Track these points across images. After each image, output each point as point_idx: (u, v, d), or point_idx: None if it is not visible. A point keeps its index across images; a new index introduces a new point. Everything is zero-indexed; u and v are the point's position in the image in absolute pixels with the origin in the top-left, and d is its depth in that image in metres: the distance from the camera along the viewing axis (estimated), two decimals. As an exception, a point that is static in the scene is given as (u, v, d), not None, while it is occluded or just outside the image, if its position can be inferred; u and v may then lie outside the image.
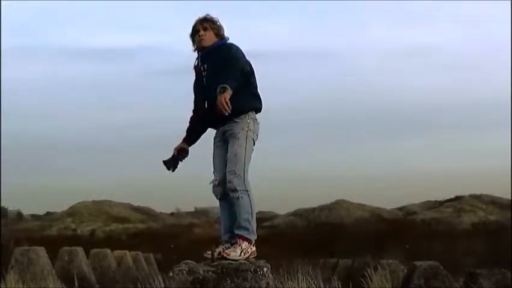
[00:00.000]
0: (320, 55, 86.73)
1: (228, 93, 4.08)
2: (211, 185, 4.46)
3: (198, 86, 4.56)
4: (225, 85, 4.10)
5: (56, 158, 79.54)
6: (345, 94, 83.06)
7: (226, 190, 4.33)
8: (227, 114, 4.13)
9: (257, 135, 4.45)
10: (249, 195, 4.26)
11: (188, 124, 4.70)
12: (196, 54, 4.60)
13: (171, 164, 4.59)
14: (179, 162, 4.62)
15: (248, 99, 4.41)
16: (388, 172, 79.40)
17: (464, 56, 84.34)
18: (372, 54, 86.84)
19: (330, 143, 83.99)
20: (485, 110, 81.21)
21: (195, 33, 4.52)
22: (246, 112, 4.39)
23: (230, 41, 4.55)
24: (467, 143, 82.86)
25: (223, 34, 4.55)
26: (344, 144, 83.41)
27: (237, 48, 4.40)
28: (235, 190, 4.23)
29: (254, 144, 4.42)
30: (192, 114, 4.69)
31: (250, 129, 4.38)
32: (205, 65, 4.47)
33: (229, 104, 4.07)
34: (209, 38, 4.49)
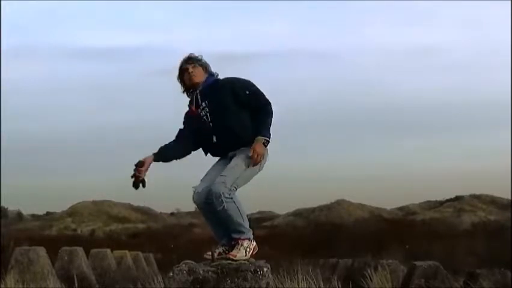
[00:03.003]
0: (320, 55, 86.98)
1: (266, 148, 4.25)
2: (193, 191, 4.37)
3: (197, 123, 4.45)
4: (266, 138, 4.24)
5: (56, 158, 79.81)
6: (345, 94, 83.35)
7: (208, 200, 4.24)
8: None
9: (264, 165, 4.40)
10: (234, 201, 4.19)
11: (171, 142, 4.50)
12: (185, 96, 4.54)
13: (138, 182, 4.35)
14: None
15: None
16: (388, 172, 79.71)
17: (464, 57, 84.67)
18: (372, 54, 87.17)
19: (330, 143, 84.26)
20: (485, 110, 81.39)
21: (182, 73, 4.48)
22: None
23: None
24: (467, 143, 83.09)
25: (211, 70, 4.52)
26: (344, 144, 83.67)
27: (244, 84, 4.39)
28: (219, 196, 4.15)
29: (257, 172, 4.38)
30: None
31: None
32: (206, 101, 4.41)
33: (261, 156, 4.23)
34: (199, 74, 4.44)
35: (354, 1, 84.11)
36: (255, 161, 4.22)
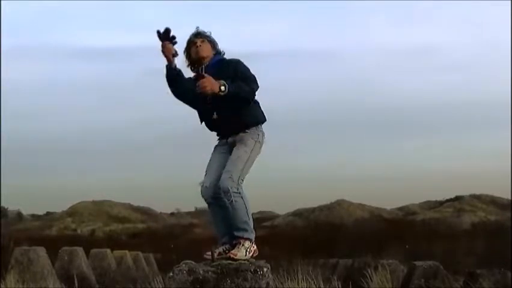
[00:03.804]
0: (320, 55, 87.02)
1: (220, 87, 4.09)
2: (200, 186, 4.41)
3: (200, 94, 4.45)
4: (227, 84, 4.11)
5: (56, 158, 79.82)
6: (345, 94, 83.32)
7: (215, 194, 4.28)
8: (202, 90, 4.12)
9: (260, 149, 4.45)
10: (242, 197, 4.23)
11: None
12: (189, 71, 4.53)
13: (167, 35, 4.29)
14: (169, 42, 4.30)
15: (260, 113, 4.47)
16: (388, 172, 79.65)
17: (464, 56, 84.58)
18: (373, 54, 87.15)
19: (330, 143, 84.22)
20: (485, 110, 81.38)
21: (190, 46, 4.49)
22: (257, 124, 4.43)
23: (225, 51, 4.57)
24: (467, 143, 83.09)
25: (218, 48, 4.55)
26: (343, 144, 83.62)
27: (246, 66, 4.39)
28: (227, 191, 4.18)
29: (257, 156, 4.41)
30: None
31: (258, 141, 4.41)
32: None
33: (208, 89, 4.08)
34: (206, 49, 4.47)
35: (354, 1, 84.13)
36: (200, 86, 4.10)
